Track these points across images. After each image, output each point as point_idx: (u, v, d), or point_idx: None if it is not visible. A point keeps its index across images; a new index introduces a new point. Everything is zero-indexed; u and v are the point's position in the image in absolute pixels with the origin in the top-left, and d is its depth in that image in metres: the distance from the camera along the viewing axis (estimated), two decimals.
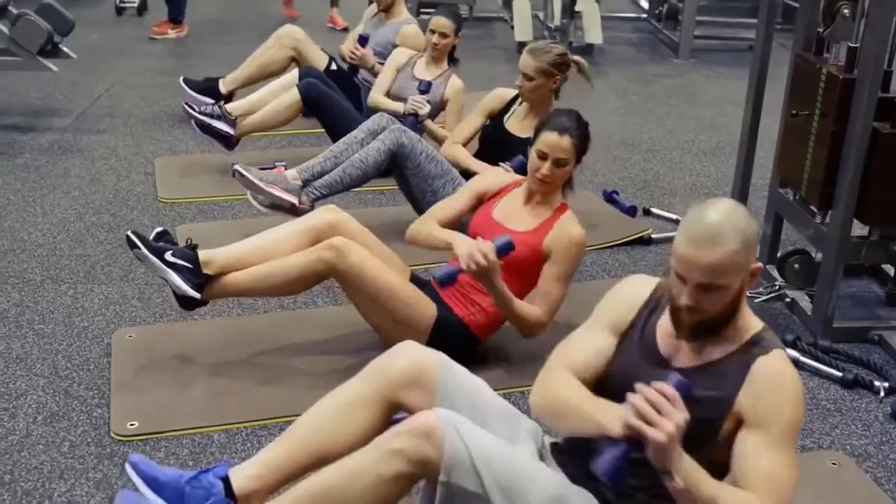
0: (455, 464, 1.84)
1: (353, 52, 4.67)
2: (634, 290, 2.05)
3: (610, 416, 1.77)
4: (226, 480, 2.05)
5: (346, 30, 7.08)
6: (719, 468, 1.83)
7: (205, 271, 2.83)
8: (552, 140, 2.85)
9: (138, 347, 3.05)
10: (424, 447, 1.85)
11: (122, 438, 2.62)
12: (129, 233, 2.83)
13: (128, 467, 2.08)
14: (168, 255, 2.82)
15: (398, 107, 4.25)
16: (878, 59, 3.00)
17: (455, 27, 4.32)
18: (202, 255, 2.85)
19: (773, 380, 1.85)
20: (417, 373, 2.08)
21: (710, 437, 1.86)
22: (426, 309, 2.87)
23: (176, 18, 7.14)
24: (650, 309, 2.00)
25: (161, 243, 2.87)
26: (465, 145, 3.90)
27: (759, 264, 1.87)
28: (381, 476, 1.88)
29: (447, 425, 1.86)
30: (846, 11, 3.16)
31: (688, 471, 1.74)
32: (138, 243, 2.80)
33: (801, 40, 3.44)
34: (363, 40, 4.72)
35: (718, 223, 1.78)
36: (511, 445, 2.00)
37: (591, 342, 2.02)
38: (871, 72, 2.99)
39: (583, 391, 1.93)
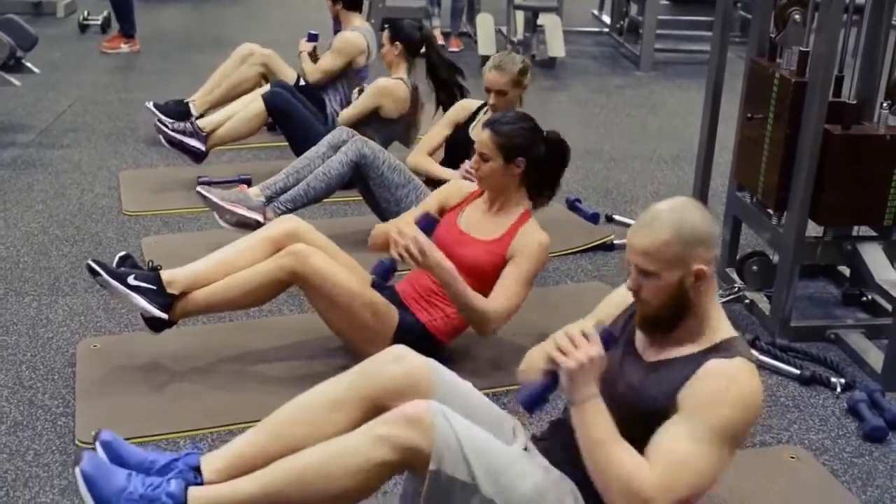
0: (445, 451, 1.84)
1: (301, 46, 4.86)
2: (625, 292, 2.07)
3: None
4: (197, 469, 2.04)
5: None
6: None
7: (169, 291, 2.83)
8: (478, 134, 2.94)
9: (103, 357, 3.05)
10: (414, 435, 1.85)
11: (87, 446, 2.61)
12: (89, 262, 2.82)
13: (98, 446, 2.05)
14: (131, 280, 2.81)
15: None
16: (828, 63, 3.07)
17: (388, 35, 4.33)
18: (165, 275, 2.85)
19: (720, 379, 1.83)
20: (411, 381, 2.06)
21: (652, 432, 1.85)
22: (388, 314, 2.88)
23: (128, 33, 7.17)
24: (633, 311, 2.04)
25: (123, 268, 2.87)
26: (431, 155, 3.93)
27: (704, 267, 1.87)
28: (368, 461, 1.87)
29: (437, 414, 1.87)
30: (797, 17, 3.24)
31: (590, 408, 1.83)
32: (99, 270, 2.79)
33: (755, 45, 3.52)
34: (312, 37, 4.86)
35: (659, 212, 1.90)
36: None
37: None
38: (822, 75, 3.07)
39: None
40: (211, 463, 2.05)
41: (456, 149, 3.84)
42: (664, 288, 1.88)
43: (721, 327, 1.95)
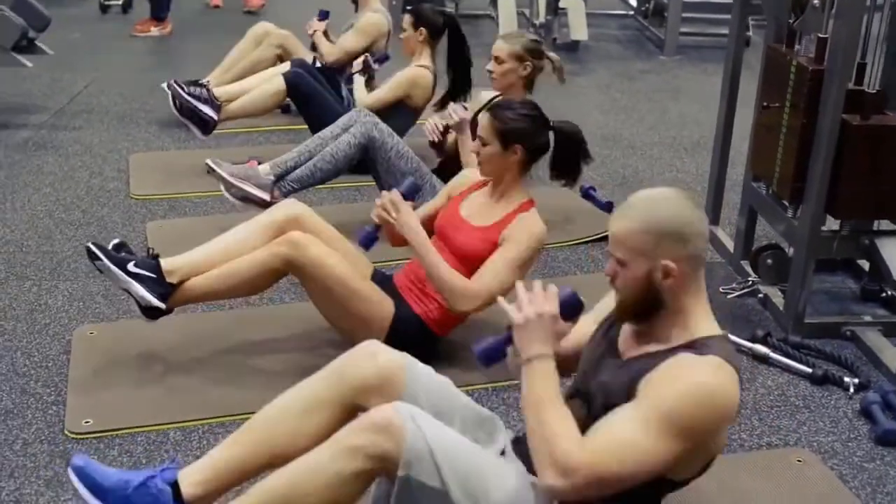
0: (414, 457, 1.79)
1: (308, 25, 4.86)
2: None
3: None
4: (175, 485, 1.99)
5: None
6: None
7: (168, 280, 2.77)
8: (480, 117, 2.87)
9: (99, 344, 3.01)
10: (383, 442, 1.81)
11: (76, 436, 2.58)
12: (88, 244, 2.75)
13: (70, 473, 1.99)
14: (131, 266, 2.74)
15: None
16: (847, 50, 2.95)
17: (412, 20, 4.22)
18: (165, 263, 2.78)
19: (678, 369, 1.74)
20: (384, 378, 2.02)
21: None
22: (384, 306, 2.82)
23: (159, 16, 7.10)
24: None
25: (122, 254, 2.80)
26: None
27: (671, 264, 1.77)
28: (339, 474, 1.83)
29: (406, 418, 1.82)
30: (816, 2, 3.11)
31: (536, 366, 1.79)
32: (100, 254, 2.72)
33: (773, 32, 3.41)
34: (323, 15, 4.86)
35: (636, 199, 1.84)
36: (473, 443, 1.95)
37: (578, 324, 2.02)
38: (841, 63, 2.95)
39: None
40: (189, 476, 2.00)
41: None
42: (632, 279, 1.81)
43: (702, 326, 1.84)
